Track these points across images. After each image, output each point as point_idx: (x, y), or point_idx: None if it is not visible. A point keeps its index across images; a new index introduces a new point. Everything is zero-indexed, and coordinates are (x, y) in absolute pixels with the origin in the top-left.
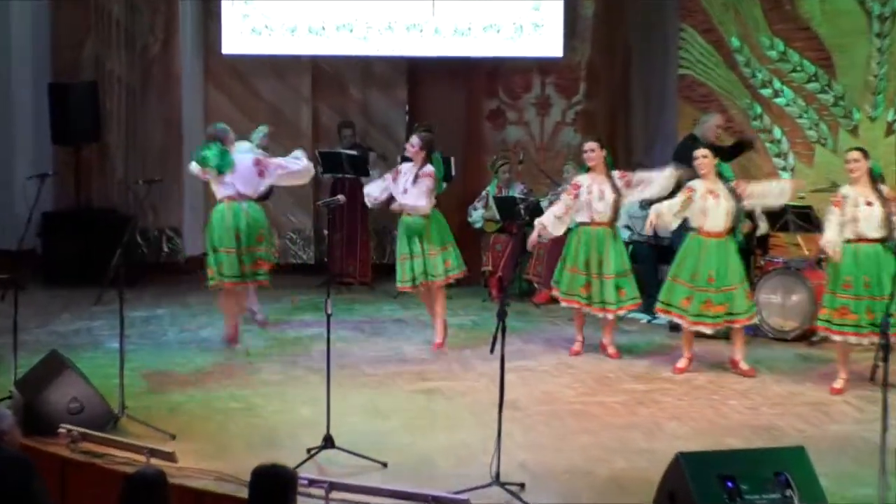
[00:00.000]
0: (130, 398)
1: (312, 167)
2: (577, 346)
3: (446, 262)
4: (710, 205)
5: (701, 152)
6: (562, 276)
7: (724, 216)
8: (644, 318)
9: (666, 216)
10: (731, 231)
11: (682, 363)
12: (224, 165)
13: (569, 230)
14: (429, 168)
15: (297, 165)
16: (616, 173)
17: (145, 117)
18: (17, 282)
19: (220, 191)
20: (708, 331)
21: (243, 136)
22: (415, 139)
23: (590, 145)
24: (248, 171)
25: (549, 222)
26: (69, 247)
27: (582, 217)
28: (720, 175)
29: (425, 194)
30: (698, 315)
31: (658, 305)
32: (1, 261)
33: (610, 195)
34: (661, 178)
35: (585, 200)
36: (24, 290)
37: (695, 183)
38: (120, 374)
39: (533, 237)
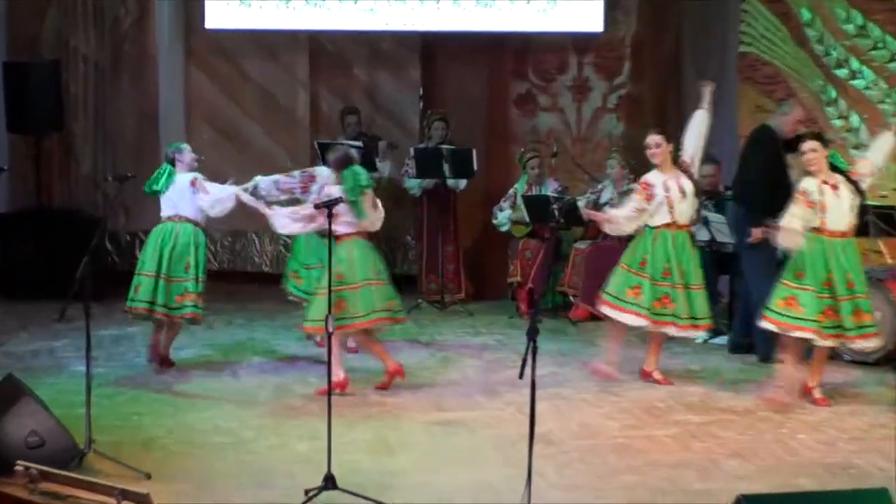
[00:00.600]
0: (98, 431)
1: (234, 198)
2: (608, 367)
3: None
4: (831, 199)
5: (809, 146)
6: (644, 290)
7: (849, 211)
8: (700, 337)
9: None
10: (857, 229)
11: (809, 385)
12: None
13: (629, 236)
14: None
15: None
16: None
17: (116, 103)
18: None
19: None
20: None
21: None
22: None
23: (654, 139)
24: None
25: (622, 217)
26: (27, 254)
27: (661, 219)
28: (834, 167)
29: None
30: (836, 328)
31: (788, 321)
32: None
33: (691, 191)
34: (695, 126)
35: (664, 200)
36: None
37: (651, 177)
38: (86, 402)
39: (596, 214)
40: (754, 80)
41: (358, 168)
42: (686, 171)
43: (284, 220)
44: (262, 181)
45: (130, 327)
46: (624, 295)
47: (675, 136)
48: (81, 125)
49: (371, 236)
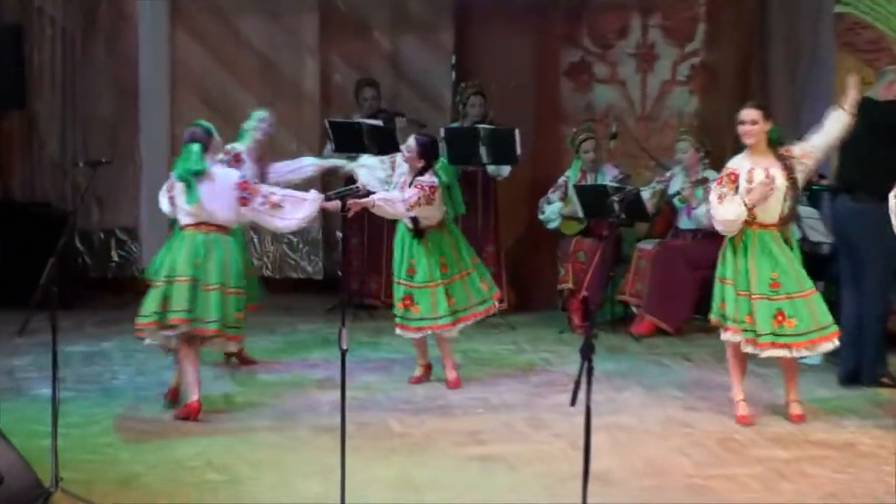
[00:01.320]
0: (67, 466)
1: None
2: (743, 407)
3: None
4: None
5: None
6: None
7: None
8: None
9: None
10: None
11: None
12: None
13: (703, 234)
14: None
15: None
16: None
17: (88, 74)
18: None
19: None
20: None
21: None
22: (412, 142)
23: (750, 114)
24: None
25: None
26: None
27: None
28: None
29: None
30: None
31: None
32: None
33: (782, 185)
34: (829, 127)
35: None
36: None
37: (736, 163)
38: (53, 432)
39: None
40: (854, 47)
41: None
42: (786, 160)
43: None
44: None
45: (104, 343)
46: (719, 309)
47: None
48: (47, 101)
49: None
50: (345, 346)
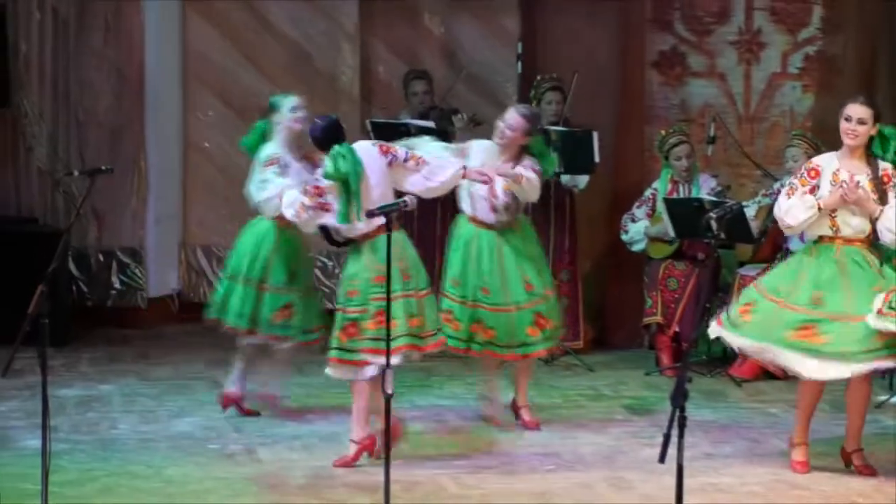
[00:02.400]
0: None
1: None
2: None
3: None
4: None
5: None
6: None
7: None
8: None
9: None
10: None
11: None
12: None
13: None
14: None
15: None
16: None
17: (85, 66)
18: None
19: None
20: None
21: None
22: (514, 118)
23: (857, 111)
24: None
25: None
26: None
27: (821, 228)
28: None
29: None
30: None
31: None
32: None
33: (870, 194)
34: None
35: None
36: None
37: (823, 160)
38: (42, 491)
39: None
40: None
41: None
42: (882, 181)
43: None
44: None
45: (102, 385)
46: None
47: (890, 109)
48: (35, 98)
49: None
50: (389, 391)
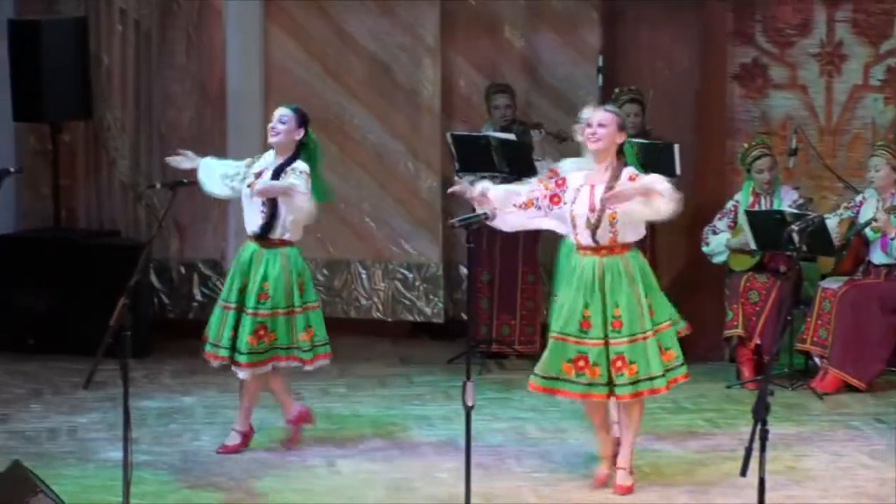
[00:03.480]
0: None
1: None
2: None
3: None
4: None
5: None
6: None
7: None
8: None
9: None
10: None
11: None
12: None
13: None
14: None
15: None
16: None
17: (167, 79)
18: None
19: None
20: None
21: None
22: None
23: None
24: None
25: None
26: (40, 293)
27: None
28: None
29: None
30: None
31: None
32: None
33: None
34: None
35: None
36: None
37: None
38: (124, 502)
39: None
40: None
41: None
42: None
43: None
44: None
45: (185, 397)
46: None
47: None
48: (118, 111)
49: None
50: (470, 403)
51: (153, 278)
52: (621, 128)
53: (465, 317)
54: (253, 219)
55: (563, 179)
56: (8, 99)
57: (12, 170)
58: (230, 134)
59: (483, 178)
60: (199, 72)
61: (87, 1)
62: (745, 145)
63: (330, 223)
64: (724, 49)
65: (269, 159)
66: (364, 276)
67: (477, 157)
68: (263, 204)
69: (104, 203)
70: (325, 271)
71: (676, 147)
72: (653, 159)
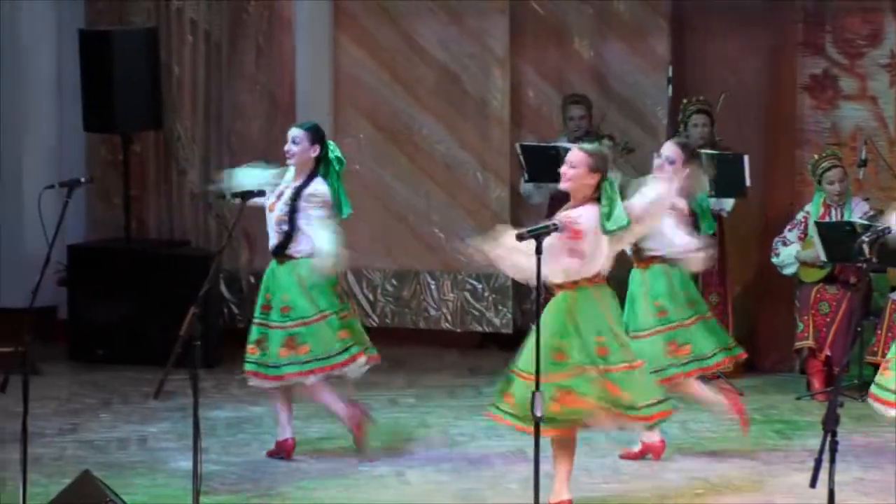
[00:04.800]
0: None
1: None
2: None
3: None
4: None
5: None
6: None
7: None
8: None
9: None
10: None
11: None
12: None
13: None
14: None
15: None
16: None
17: (237, 89)
18: (26, 361)
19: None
20: None
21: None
22: (672, 149)
23: None
24: None
25: None
26: (110, 303)
27: None
28: None
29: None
30: None
31: None
32: (2, 326)
33: None
34: None
35: None
36: (37, 375)
37: None
38: None
39: None
40: None
41: None
42: None
43: None
44: None
45: (254, 407)
46: None
47: None
48: (188, 121)
49: None
50: (539, 414)
51: (223, 288)
52: (594, 170)
53: (533, 327)
54: (272, 235)
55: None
56: (79, 110)
57: (83, 180)
58: None
59: (552, 189)
60: (268, 81)
61: (157, 11)
62: (815, 156)
63: (399, 234)
64: (794, 60)
65: (290, 177)
66: (433, 286)
67: (546, 167)
68: (281, 224)
69: (174, 213)
70: (393, 282)
71: (746, 158)
72: (723, 170)
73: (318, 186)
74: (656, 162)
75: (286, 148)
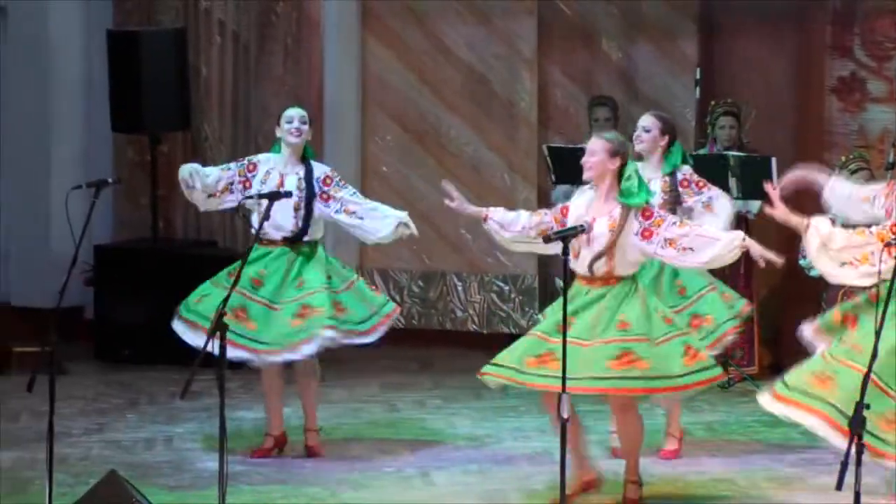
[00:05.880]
0: None
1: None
2: None
3: None
4: None
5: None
6: None
7: None
8: None
9: None
10: None
11: None
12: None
13: None
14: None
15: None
16: None
17: (265, 90)
18: (52, 361)
19: None
20: None
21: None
22: (649, 120)
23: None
24: None
25: None
26: (136, 303)
27: None
28: None
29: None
30: None
31: None
32: (29, 325)
33: None
34: None
35: None
36: (64, 375)
37: None
38: None
39: None
40: None
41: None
42: None
43: None
44: None
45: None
46: None
47: None
48: (215, 122)
49: None
50: (566, 415)
51: None
52: (614, 154)
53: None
54: (284, 222)
55: (567, 208)
56: (107, 110)
57: (110, 181)
58: (327, 145)
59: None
60: (296, 83)
61: (185, 12)
62: (843, 158)
63: (426, 235)
64: (823, 62)
65: (274, 162)
66: (460, 287)
67: (573, 168)
68: (296, 210)
69: (201, 214)
70: (420, 283)
71: (773, 160)
72: (751, 172)
73: (324, 168)
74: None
75: (297, 126)
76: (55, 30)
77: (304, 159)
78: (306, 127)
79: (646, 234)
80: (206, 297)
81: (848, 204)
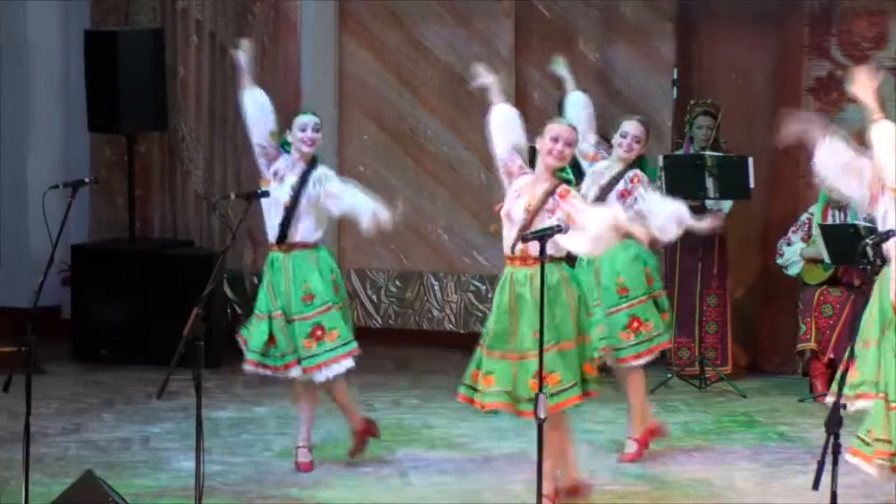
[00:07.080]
0: None
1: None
2: None
3: None
4: None
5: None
6: None
7: None
8: None
9: None
10: None
11: None
12: None
13: None
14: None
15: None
16: None
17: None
18: (29, 361)
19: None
20: None
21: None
22: (639, 128)
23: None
24: None
25: None
26: (114, 303)
27: None
28: None
29: None
30: None
31: None
32: (6, 325)
33: None
34: None
35: None
36: (41, 375)
37: None
38: None
39: None
40: None
41: None
42: None
43: None
44: None
45: (257, 408)
46: None
47: None
48: (192, 121)
49: None
50: (542, 415)
51: (226, 289)
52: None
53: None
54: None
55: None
56: (84, 110)
57: (87, 180)
58: None
59: None
60: (273, 83)
61: (163, 12)
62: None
63: (403, 234)
64: (800, 62)
65: (283, 162)
66: (436, 287)
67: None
68: (287, 210)
69: (178, 213)
70: (397, 283)
71: (750, 160)
72: (726, 172)
73: (325, 169)
74: (585, 146)
75: (310, 136)
76: (32, 29)
77: (312, 163)
78: (318, 135)
79: (553, 211)
80: (252, 331)
81: (840, 176)
